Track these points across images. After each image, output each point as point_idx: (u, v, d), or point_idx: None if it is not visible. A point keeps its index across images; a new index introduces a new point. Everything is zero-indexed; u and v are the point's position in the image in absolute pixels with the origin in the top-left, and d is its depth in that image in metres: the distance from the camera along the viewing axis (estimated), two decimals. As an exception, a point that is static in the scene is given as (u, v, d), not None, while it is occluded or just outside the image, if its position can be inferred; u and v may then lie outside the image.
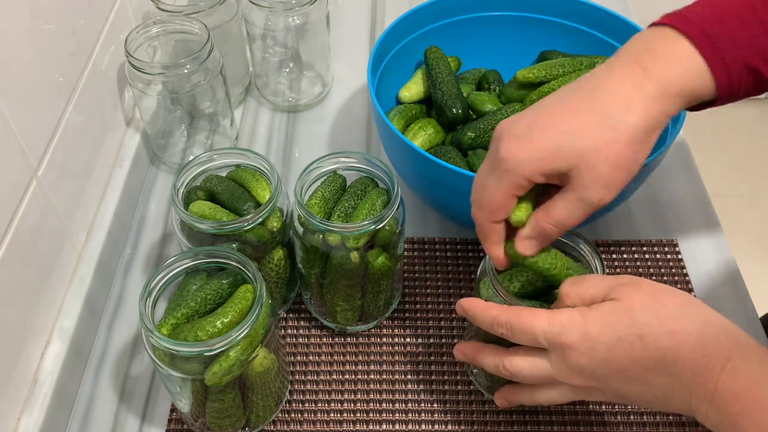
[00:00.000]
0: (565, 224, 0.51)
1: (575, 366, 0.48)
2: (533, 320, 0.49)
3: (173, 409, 0.65)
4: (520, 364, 0.52)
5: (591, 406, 0.65)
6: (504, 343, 0.54)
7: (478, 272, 0.60)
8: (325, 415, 0.65)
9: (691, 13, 0.50)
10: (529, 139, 0.48)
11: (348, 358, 0.69)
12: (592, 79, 0.50)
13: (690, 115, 0.67)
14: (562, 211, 0.50)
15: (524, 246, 0.53)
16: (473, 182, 0.54)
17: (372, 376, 0.67)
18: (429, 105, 0.84)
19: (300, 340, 0.70)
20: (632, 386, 0.47)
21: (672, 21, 0.50)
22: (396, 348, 0.69)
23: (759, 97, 2.19)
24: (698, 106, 0.52)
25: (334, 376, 0.67)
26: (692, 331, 0.46)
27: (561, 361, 0.49)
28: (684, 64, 0.48)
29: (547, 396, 0.52)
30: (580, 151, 0.47)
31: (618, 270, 0.75)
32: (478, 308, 0.54)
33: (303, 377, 0.67)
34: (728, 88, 0.49)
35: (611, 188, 0.48)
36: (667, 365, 0.45)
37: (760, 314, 0.73)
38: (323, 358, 0.68)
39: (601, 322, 0.47)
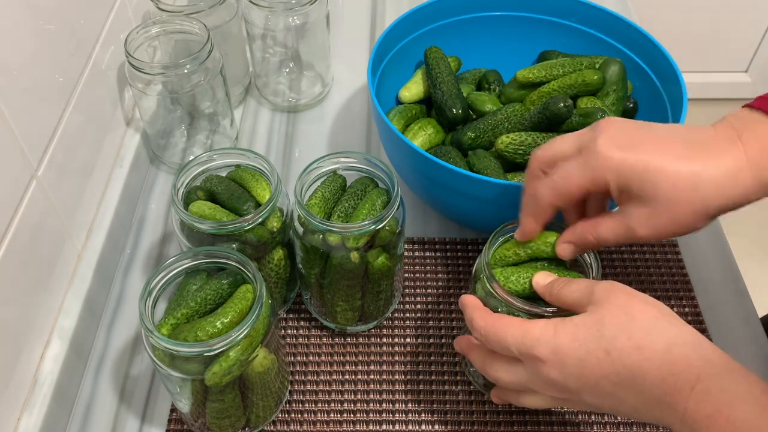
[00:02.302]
0: (606, 242, 0.52)
1: (547, 379, 0.48)
2: (507, 330, 0.50)
3: (173, 409, 0.65)
4: (500, 371, 0.52)
5: (591, 406, 0.65)
6: None
7: (473, 270, 0.60)
8: (325, 415, 0.65)
9: None
10: (630, 150, 0.48)
11: (348, 358, 0.69)
12: (699, 132, 0.49)
13: (690, 115, 0.67)
14: (608, 230, 0.52)
15: (562, 249, 0.55)
16: (540, 153, 0.54)
17: (372, 376, 0.67)
18: (429, 105, 0.84)
19: (300, 340, 0.70)
20: (604, 400, 0.47)
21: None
22: (396, 348, 0.69)
23: (759, 97, 2.19)
24: None
25: (334, 376, 0.67)
26: (660, 347, 0.45)
27: (534, 373, 0.49)
28: None
29: (529, 401, 0.53)
30: (658, 191, 0.48)
31: (618, 270, 0.75)
32: (466, 306, 0.54)
33: (303, 377, 0.67)
34: None
35: (658, 235, 0.50)
36: (636, 382, 0.45)
37: (761, 315, 0.73)
38: (323, 358, 0.68)
39: (571, 336, 0.47)
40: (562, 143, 0.53)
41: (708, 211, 0.48)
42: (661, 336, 0.45)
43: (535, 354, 0.48)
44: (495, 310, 0.54)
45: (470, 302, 0.55)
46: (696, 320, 0.71)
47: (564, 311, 0.52)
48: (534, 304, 0.54)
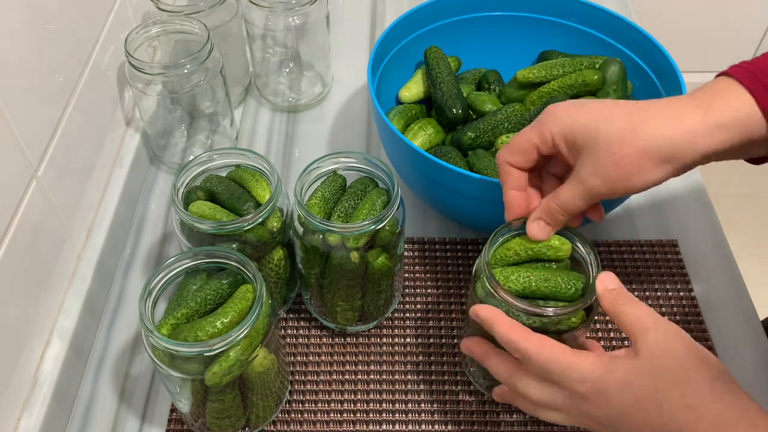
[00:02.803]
0: (567, 206, 0.53)
1: (586, 412, 0.48)
2: (552, 358, 0.49)
3: (173, 409, 0.65)
4: (530, 388, 0.51)
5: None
6: None
7: (473, 270, 0.59)
8: (325, 415, 0.65)
9: (752, 66, 0.50)
10: (575, 110, 0.51)
11: (348, 358, 0.69)
12: (657, 100, 0.51)
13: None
14: (566, 193, 0.52)
15: (533, 227, 0.55)
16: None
17: (372, 376, 0.67)
18: (429, 105, 0.84)
19: (300, 340, 0.70)
20: None
21: (732, 71, 0.50)
22: (396, 348, 0.69)
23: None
24: (757, 159, 0.53)
25: (334, 376, 0.67)
26: (712, 412, 0.44)
27: (573, 404, 0.48)
28: (734, 104, 0.48)
29: (549, 416, 0.52)
30: (598, 136, 0.49)
31: (618, 270, 0.75)
32: (499, 324, 0.52)
33: (303, 377, 0.67)
34: None
35: (608, 183, 0.50)
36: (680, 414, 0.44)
37: (761, 315, 0.73)
38: (323, 358, 0.68)
39: (621, 381, 0.46)
40: (522, 133, 0.55)
41: (651, 152, 0.48)
42: (716, 400, 0.44)
43: (580, 390, 0.47)
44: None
45: (502, 317, 0.52)
46: (696, 320, 0.71)
47: (565, 313, 0.52)
48: (534, 303, 0.54)
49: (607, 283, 0.52)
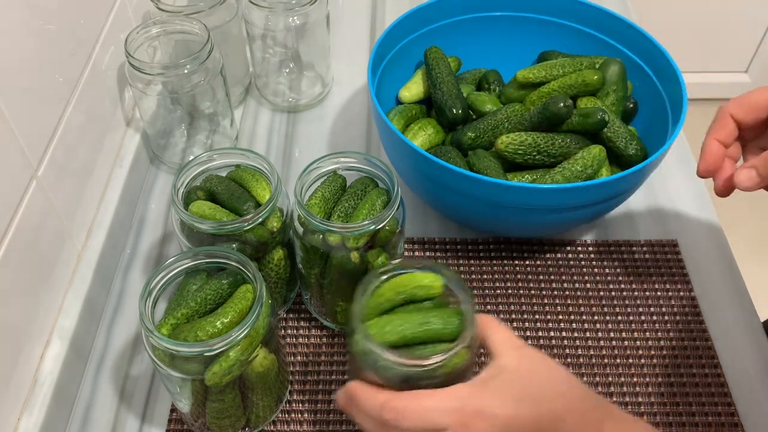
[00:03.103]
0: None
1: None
2: (423, 401, 0.47)
3: (173, 409, 0.65)
4: None
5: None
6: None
7: (348, 329, 0.56)
8: (325, 415, 0.65)
9: None
10: None
11: (348, 357, 0.68)
12: None
13: (689, 115, 0.67)
14: None
15: (744, 175, 0.53)
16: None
17: (372, 376, 0.67)
18: (429, 105, 0.84)
19: (300, 340, 0.70)
20: None
21: None
22: (396, 348, 0.69)
23: (759, 97, 2.19)
24: None
25: (334, 376, 0.67)
26: (577, 395, 0.48)
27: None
28: None
29: None
30: None
31: (618, 270, 0.75)
32: (362, 399, 0.50)
33: (303, 377, 0.67)
34: None
35: None
36: (558, 426, 0.47)
37: (761, 315, 0.73)
38: (323, 358, 0.68)
39: (498, 392, 0.47)
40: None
41: None
42: (576, 387, 0.49)
43: (462, 417, 0.46)
44: (375, 364, 0.51)
45: (360, 394, 0.50)
46: (696, 320, 0.71)
47: (448, 357, 0.50)
48: (413, 354, 0.52)
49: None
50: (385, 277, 0.55)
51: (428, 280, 0.54)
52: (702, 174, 0.57)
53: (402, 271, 0.55)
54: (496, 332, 0.51)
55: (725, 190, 0.56)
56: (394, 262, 0.56)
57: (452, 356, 0.50)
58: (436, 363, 0.50)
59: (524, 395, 0.47)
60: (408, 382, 0.52)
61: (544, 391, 0.48)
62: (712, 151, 0.56)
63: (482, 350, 0.51)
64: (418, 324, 0.53)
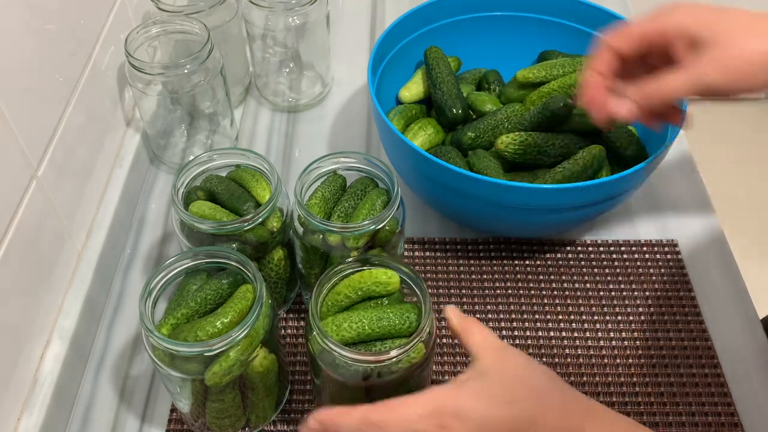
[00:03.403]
0: (669, 91, 0.53)
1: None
2: (401, 408, 0.46)
3: (173, 409, 0.65)
4: None
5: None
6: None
7: (306, 329, 0.56)
8: (325, 415, 0.65)
9: None
10: (698, 9, 0.53)
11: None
12: None
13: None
14: (674, 78, 0.52)
15: (621, 106, 0.55)
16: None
17: (372, 376, 0.67)
18: (429, 105, 0.84)
19: (300, 340, 0.70)
20: None
21: None
22: (396, 348, 0.69)
23: (759, 96, 2.19)
24: None
25: (334, 376, 0.67)
26: (558, 396, 0.47)
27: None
28: None
29: None
30: (727, 30, 0.51)
31: (618, 271, 0.75)
32: (345, 422, 0.46)
33: (303, 377, 0.67)
34: None
35: (727, 75, 0.51)
36: (534, 428, 0.46)
37: (761, 315, 0.73)
38: (323, 358, 0.68)
39: (473, 394, 0.46)
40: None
41: None
42: (555, 388, 0.48)
43: (441, 419, 0.45)
44: (333, 362, 0.52)
45: (337, 417, 0.46)
46: (696, 320, 0.71)
47: (405, 351, 0.51)
48: (370, 350, 0.53)
49: (453, 316, 0.52)
50: (342, 274, 0.56)
51: (385, 277, 0.55)
52: (585, 105, 0.57)
53: (359, 268, 0.56)
54: (476, 333, 0.50)
55: (605, 121, 0.57)
56: (350, 259, 0.56)
57: (409, 350, 0.51)
58: (394, 358, 0.51)
59: (498, 396, 0.46)
60: (367, 379, 0.53)
61: (518, 392, 0.46)
62: (591, 82, 0.57)
63: (464, 351, 0.51)
64: (375, 320, 0.53)
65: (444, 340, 0.70)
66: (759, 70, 0.51)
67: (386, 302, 0.56)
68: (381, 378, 0.53)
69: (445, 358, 0.68)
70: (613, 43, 0.56)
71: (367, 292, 0.56)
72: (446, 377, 0.67)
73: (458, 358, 0.68)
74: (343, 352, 0.51)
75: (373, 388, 0.54)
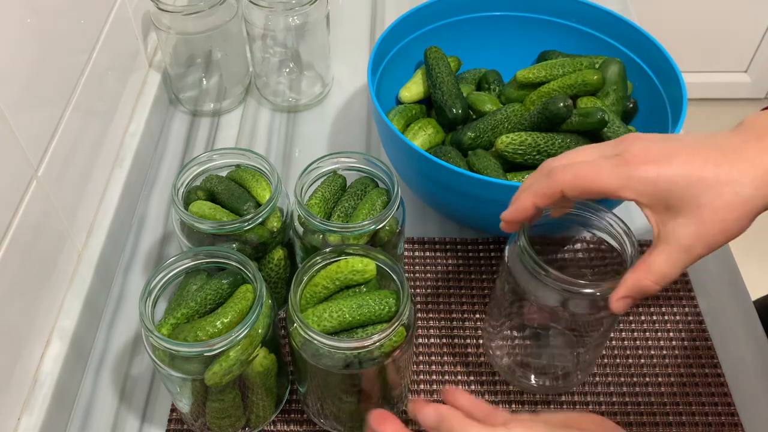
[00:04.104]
0: (668, 278, 0.48)
1: None
2: None
3: (173, 409, 0.65)
4: None
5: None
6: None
7: (287, 323, 0.56)
8: (325, 415, 0.65)
9: None
10: (666, 162, 0.46)
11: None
12: (731, 138, 0.48)
13: (690, 116, 0.67)
14: (665, 265, 0.48)
15: (620, 306, 0.49)
16: (553, 161, 0.51)
17: (372, 376, 0.67)
18: (429, 105, 0.84)
19: (300, 340, 0.70)
20: None
21: None
22: (396, 348, 0.69)
23: (759, 96, 2.19)
24: None
25: (334, 376, 0.67)
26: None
27: None
28: None
29: None
30: (702, 199, 0.46)
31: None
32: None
33: (303, 377, 0.67)
34: None
35: (710, 247, 0.47)
36: None
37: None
38: (323, 358, 0.68)
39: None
40: (581, 155, 0.50)
41: (750, 214, 0.47)
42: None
43: None
44: (317, 352, 0.53)
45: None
46: (696, 320, 0.71)
47: (386, 335, 0.51)
48: (352, 337, 0.53)
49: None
50: (318, 266, 0.57)
51: (361, 265, 0.56)
52: (504, 220, 0.53)
53: (335, 259, 0.56)
54: None
55: (511, 227, 0.54)
56: (326, 250, 0.56)
57: (391, 335, 0.52)
58: (376, 343, 0.51)
59: None
60: (349, 367, 0.54)
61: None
62: (526, 208, 0.51)
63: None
64: (355, 308, 0.54)
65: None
66: (732, 236, 0.47)
67: (364, 290, 0.57)
68: (362, 365, 0.54)
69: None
70: (568, 190, 0.49)
71: (345, 282, 0.56)
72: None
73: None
74: (326, 341, 0.51)
75: (356, 375, 0.55)
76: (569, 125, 0.73)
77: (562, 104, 0.72)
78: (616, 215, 0.56)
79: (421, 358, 0.68)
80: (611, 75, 0.77)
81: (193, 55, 0.88)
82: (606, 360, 0.68)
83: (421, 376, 0.67)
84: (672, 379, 0.67)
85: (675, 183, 0.46)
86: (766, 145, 0.46)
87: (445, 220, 0.80)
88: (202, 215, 0.62)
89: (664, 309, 0.72)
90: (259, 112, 0.93)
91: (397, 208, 0.62)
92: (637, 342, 0.69)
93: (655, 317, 0.71)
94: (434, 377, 0.67)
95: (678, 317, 0.71)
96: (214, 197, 0.65)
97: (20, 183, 0.59)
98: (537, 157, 0.72)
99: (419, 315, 0.71)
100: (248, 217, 0.60)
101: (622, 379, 0.67)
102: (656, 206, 0.47)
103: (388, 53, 0.80)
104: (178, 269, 0.57)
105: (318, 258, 0.56)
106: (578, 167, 0.48)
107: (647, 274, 0.48)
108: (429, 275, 0.75)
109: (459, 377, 0.67)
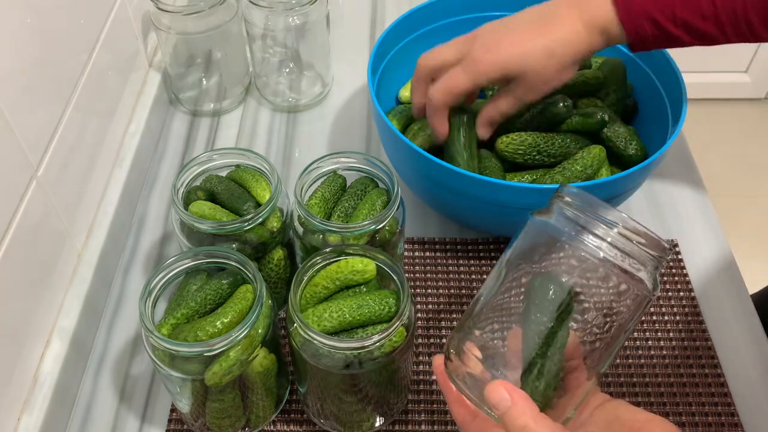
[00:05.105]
0: (505, 113, 0.68)
1: None
2: None
3: (173, 409, 0.65)
4: None
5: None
6: None
7: (287, 323, 0.57)
8: (325, 415, 0.65)
9: None
10: (497, 52, 0.64)
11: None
12: (545, 11, 0.65)
13: (690, 116, 0.67)
14: (504, 104, 0.68)
15: (482, 130, 0.70)
16: (425, 61, 0.69)
17: (372, 376, 0.67)
18: (429, 105, 0.83)
19: (300, 340, 0.70)
20: None
21: None
22: (396, 348, 0.69)
23: (759, 96, 2.19)
24: (632, 46, 0.65)
25: (334, 376, 0.67)
26: None
27: None
28: (603, 12, 0.62)
29: None
30: (527, 69, 0.64)
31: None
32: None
33: (303, 377, 0.67)
34: (635, 34, 0.63)
35: (539, 93, 0.66)
36: None
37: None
38: (323, 358, 0.68)
39: None
40: (444, 52, 0.68)
41: (566, 66, 0.65)
42: None
43: None
44: (317, 352, 0.53)
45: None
46: (696, 320, 0.71)
47: (387, 336, 0.51)
48: (353, 337, 0.53)
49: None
50: (319, 265, 0.57)
51: (361, 265, 0.56)
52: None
53: (335, 259, 0.57)
54: None
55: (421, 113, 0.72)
56: (326, 250, 0.56)
57: (391, 334, 0.52)
58: (377, 343, 0.51)
59: None
60: (349, 367, 0.54)
61: None
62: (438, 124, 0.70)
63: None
64: (355, 308, 0.54)
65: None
66: (556, 83, 0.66)
67: (364, 290, 0.57)
68: (362, 365, 0.54)
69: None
70: (448, 102, 0.68)
71: (345, 282, 0.56)
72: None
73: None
74: (327, 341, 0.51)
75: (356, 375, 0.55)
76: (569, 125, 0.73)
77: (562, 104, 0.72)
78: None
79: (420, 358, 0.68)
80: (611, 75, 0.77)
81: (193, 55, 0.88)
82: (606, 360, 0.68)
83: (421, 376, 0.67)
84: (672, 379, 0.66)
85: (507, 65, 0.64)
86: (572, 12, 0.63)
87: (445, 220, 0.80)
88: (202, 215, 0.62)
89: (664, 309, 0.72)
90: (259, 112, 0.93)
91: (397, 208, 0.62)
92: (637, 342, 0.69)
93: (655, 317, 0.71)
94: (434, 377, 0.67)
95: (678, 317, 0.71)
96: (214, 197, 0.65)
97: (20, 183, 0.59)
98: (537, 157, 0.72)
99: (419, 315, 0.71)
100: (248, 217, 0.60)
101: (622, 379, 0.67)
102: (501, 80, 0.66)
103: (388, 53, 0.80)
104: (178, 269, 0.57)
105: (318, 258, 0.56)
106: (443, 84, 0.67)
107: (495, 109, 0.68)
108: (429, 275, 0.75)
109: (459, 377, 0.67)
